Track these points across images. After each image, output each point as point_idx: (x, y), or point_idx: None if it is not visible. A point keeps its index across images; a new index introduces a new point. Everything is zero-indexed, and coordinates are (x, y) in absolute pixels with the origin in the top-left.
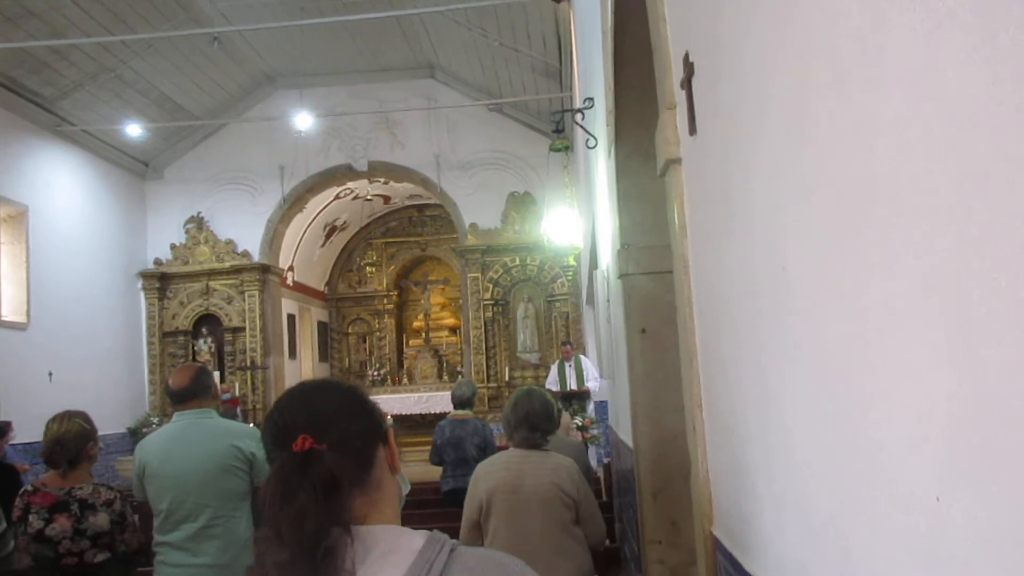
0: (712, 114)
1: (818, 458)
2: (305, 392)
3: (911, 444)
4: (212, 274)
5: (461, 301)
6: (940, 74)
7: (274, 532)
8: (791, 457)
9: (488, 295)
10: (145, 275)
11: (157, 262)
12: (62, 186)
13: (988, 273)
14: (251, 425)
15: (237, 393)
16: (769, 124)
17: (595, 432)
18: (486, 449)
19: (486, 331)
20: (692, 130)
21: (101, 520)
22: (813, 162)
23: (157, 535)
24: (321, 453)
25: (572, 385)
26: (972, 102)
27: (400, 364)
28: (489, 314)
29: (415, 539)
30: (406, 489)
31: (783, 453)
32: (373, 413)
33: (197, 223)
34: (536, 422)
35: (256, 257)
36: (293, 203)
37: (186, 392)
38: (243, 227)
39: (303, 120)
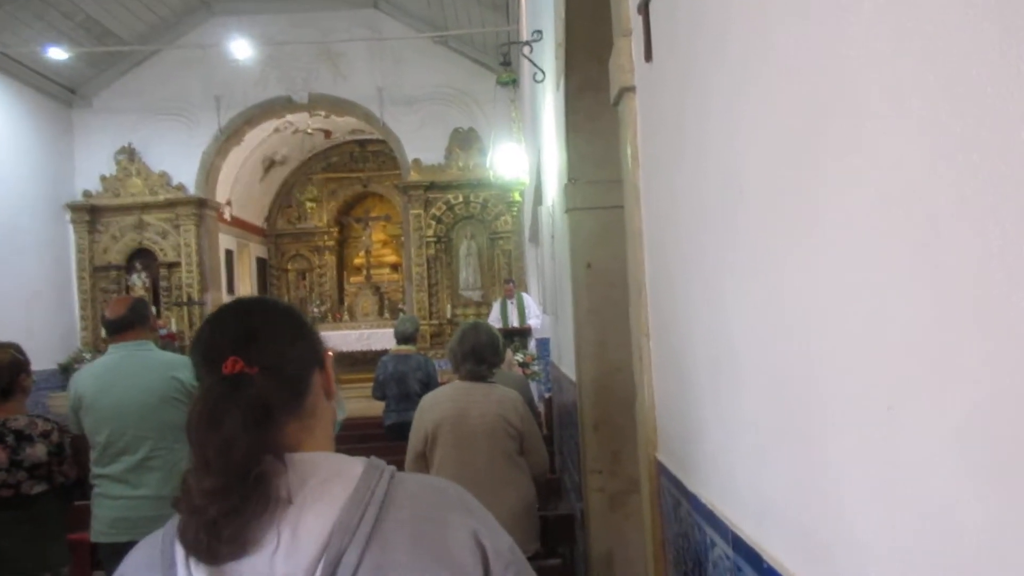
0: (669, 39)
1: (767, 377)
2: (239, 310)
3: (864, 355)
4: (145, 207)
5: (403, 238)
6: None
7: (200, 460)
8: (739, 378)
9: (431, 232)
10: (74, 207)
11: (86, 194)
12: None
13: (956, 183)
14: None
15: (174, 329)
16: (730, 45)
17: (536, 368)
18: (429, 384)
19: (428, 268)
20: (648, 57)
21: (38, 451)
22: (775, 80)
23: (95, 467)
24: (252, 377)
25: (514, 322)
26: (943, 7)
27: (341, 301)
28: (431, 251)
29: (355, 465)
30: (342, 415)
31: (731, 375)
32: (310, 335)
33: (128, 154)
34: (483, 355)
35: (192, 191)
36: (230, 135)
37: (123, 322)
38: (178, 159)
39: (240, 49)
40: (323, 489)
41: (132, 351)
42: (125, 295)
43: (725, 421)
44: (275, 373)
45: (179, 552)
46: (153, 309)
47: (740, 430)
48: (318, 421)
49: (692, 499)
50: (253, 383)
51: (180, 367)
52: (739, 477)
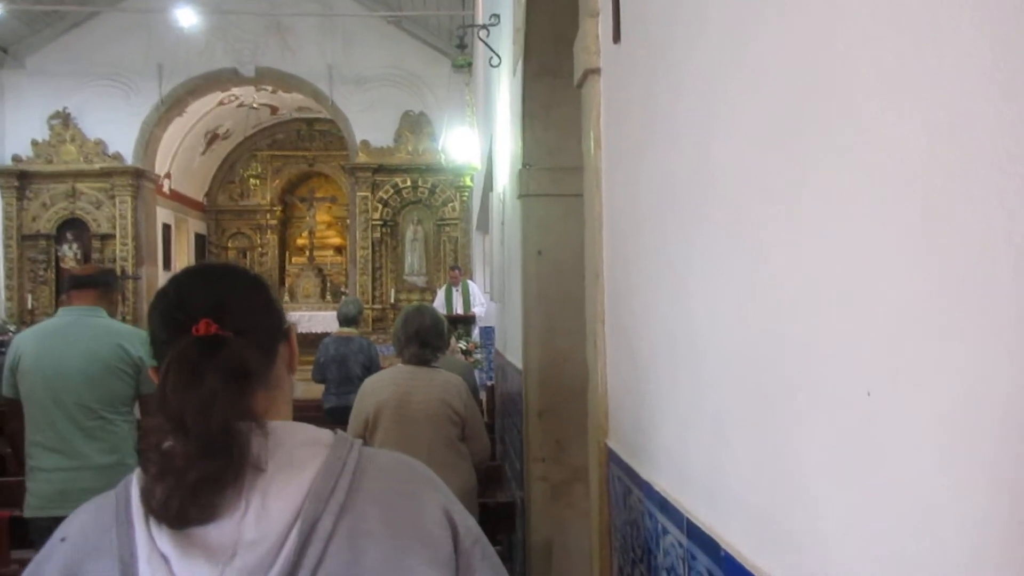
0: (640, 19)
1: (732, 363)
2: (207, 273)
3: (846, 339)
4: (79, 176)
5: (348, 220)
6: None
7: (175, 422)
8: (701, 365)
9: (377, 215)
10: (2, 172)
11: (16, 159)
12: None
13: (956, 164)
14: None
15: None
16: (709, 24)
17: (478, 356)
18: (371, 368)
19: (373, 252)
20: (616, 38)
21: None
22: (758, 59)
23: (31, 435)
24: (228, 339)
25: (458, 310)
26: None
27: (282, 282)
28: (377, 235)
29: (323, 434)
30: (296, 392)
31: (692, 362)
32: (277, 306)
33: (63, 119)
34: (427, 339)
35: (129, 160)
36: (172, 105)
37: (87, 279)
38: (115, 127)
39: (185, 16)
40: (295, 456)
41: (81, 315)
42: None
43: (683, 408)
44: (247, 338)
45: (137, 513)
46: None
47: (699, 417)
48: (281, 393)
49: (644, 487)
50: (231, 345)
51: (129, 336)
52: (696, 464)
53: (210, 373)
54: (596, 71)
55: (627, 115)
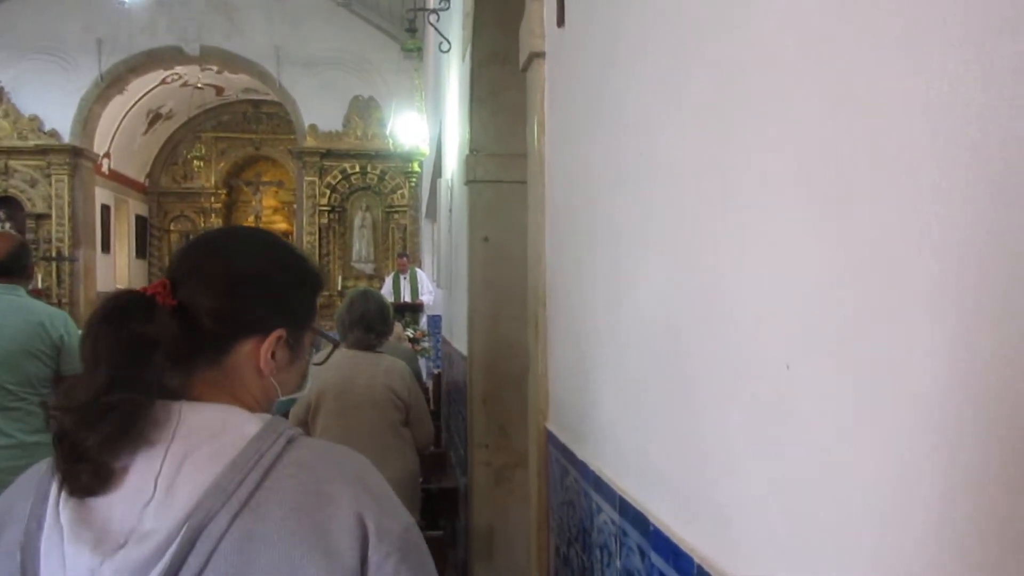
0: (584, 2)
1: (657, 343)
2: (219, 240)
3: (762, 313)
4: (12, 152)
5: (295, 206)
6: None
7: (85, 366)
8: (631, 346)
9: (325, 201)
10: None
11: None
12: None
13: (872, 137)
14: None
15: (40, 285)
16: (649, 4)
17: (426, 344)
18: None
19: (320, 238)
20: (560, 21)
21: None
22: (695, 36)
23: None
24: (158, 309)
25: (406, 298)
26: None
27: None
28: (324, 220)
29: (248, 425)
30: (304, 389)
31: (625, 342)
32: (270, 305)
33: None
34: (371, 323)
35: (66, 138)
36: (112, 83)
37: (1, 267)
38: (51, 104)
39: None
40: (209, 446)
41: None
42: (8, 233)
43: (617, 389)
44: (186, 318)
45: (55, 486)
46: None
47: (630, 396)
48: (241, 384)
49: (581, 467)
50: (151, 314)
51: (50, 316)
52: (629, 443)
53: (110, 335)
54: (541, 55)
55: (570, 99)
